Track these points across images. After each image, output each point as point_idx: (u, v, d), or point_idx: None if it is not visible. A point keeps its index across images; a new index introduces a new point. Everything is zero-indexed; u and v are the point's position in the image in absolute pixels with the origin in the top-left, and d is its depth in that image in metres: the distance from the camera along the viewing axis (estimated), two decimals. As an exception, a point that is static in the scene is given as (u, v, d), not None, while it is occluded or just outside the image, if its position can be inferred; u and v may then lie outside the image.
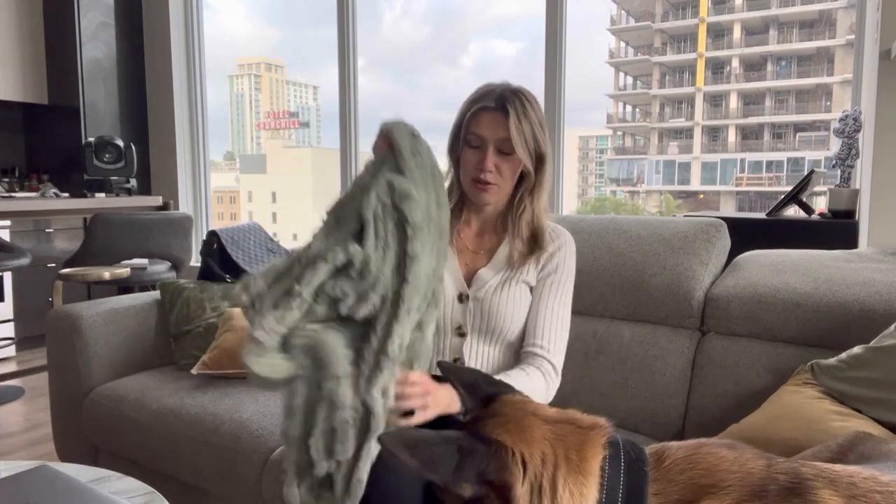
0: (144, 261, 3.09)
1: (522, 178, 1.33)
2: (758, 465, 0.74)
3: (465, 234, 1.40)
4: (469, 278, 1.36)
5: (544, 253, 1.37)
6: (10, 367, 3.55)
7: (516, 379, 1.25)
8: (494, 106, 1.27)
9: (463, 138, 1.30)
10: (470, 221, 1.40)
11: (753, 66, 12.91)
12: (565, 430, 0.72)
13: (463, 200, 1.38)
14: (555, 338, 1.34)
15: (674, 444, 0.78)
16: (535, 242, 1.36)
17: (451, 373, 0.93)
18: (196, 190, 4.50)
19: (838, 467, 0.77)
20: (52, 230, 3.98)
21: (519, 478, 0.68)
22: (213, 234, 2.30)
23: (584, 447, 0.70)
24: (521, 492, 0.68)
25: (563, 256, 1.38)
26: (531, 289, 1.39)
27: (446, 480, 0.69)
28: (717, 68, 13.23)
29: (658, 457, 0.75)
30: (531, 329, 1.35)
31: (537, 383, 1.29)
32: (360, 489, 0.95)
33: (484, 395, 0.83)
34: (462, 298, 1.34)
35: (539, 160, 1.31)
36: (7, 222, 3.71)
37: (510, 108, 1.25)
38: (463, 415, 0.93)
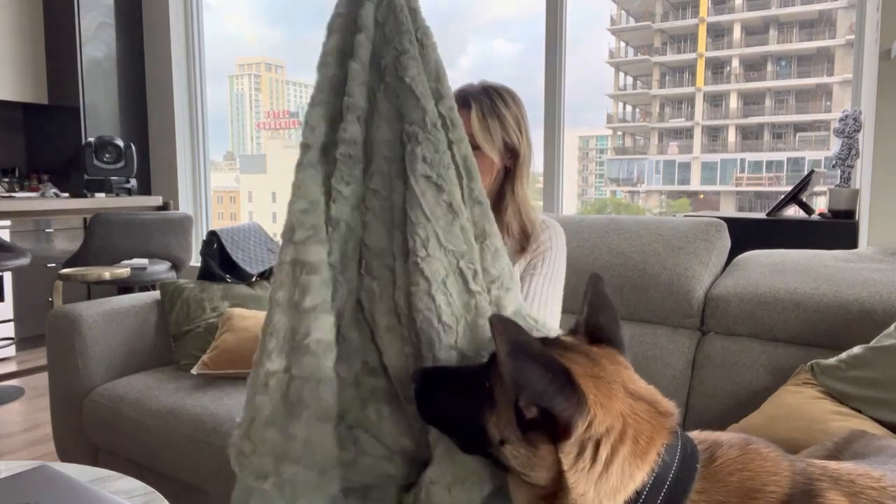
0: (144, 261, 3.09)
1: (507, 173, 1.31)
2: (785, 468, 0.74)
3: None
4: None
5: (533, 246, 1.33)
6: (10, 367, 3.55)
7: None
8: (458, 103, 1.22)
9: None
10: None
11: (753, 66, 12.89)
12: (642, 411, 0.74)
13: None
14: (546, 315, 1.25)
15: (724, 439, 0.77)
16: (525, 238, 1.32)
17: (594, 285, 0.86)
18: (196, 190, 4.49)
19: (835, 464, 0.78)
20: (52, 230, 3.98)
21: (578, 433, 0.71)
22: (213, 234, 2.30)
23: (653, 432, 0.72)
24: (569, 444, 0.71)
25: (550, 246, 1.33)
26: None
27: (522, 394, 0.71)
28: (717, 68, 13.22)
29: (710, 454, 0.75)
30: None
31: None
32: None
33: (599, 329, 0.83)
34: None
35: (512, 154, 1.28)
36: (7, 222, 3.71)
37: (473, 102, 1.23)
38: (571, 329, 0.88)
